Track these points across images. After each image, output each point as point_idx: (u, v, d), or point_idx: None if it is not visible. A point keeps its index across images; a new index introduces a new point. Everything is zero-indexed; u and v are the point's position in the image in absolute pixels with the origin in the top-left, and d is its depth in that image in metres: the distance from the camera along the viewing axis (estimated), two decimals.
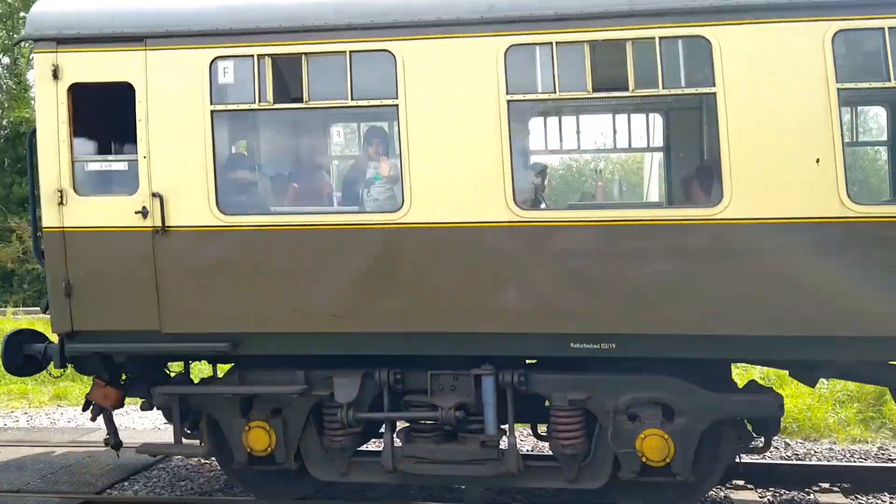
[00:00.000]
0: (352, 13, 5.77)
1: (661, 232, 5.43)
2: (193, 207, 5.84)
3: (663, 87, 5.43)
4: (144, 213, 5.86)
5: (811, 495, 6.67)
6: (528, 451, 7.91)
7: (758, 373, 9.25)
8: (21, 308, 19.30)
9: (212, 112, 5.84)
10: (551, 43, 5.52)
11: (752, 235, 5.29)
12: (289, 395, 6.00)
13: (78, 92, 6.02)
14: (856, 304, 5.21)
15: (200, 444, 6.41)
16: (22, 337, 6.69)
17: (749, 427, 6.06)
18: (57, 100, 5.99)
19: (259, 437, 6.07)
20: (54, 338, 6.59)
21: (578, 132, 6.58)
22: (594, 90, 5.51)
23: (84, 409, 6.72)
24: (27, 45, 7.26)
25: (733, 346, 5.51)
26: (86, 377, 8.24)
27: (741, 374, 9.19)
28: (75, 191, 5.98)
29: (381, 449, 6.09)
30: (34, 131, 6.17)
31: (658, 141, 6.49)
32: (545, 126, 6.85)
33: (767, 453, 6.66)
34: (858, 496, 6.64)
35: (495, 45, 5.57)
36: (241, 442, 6.12)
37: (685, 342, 5.54)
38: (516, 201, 5.53)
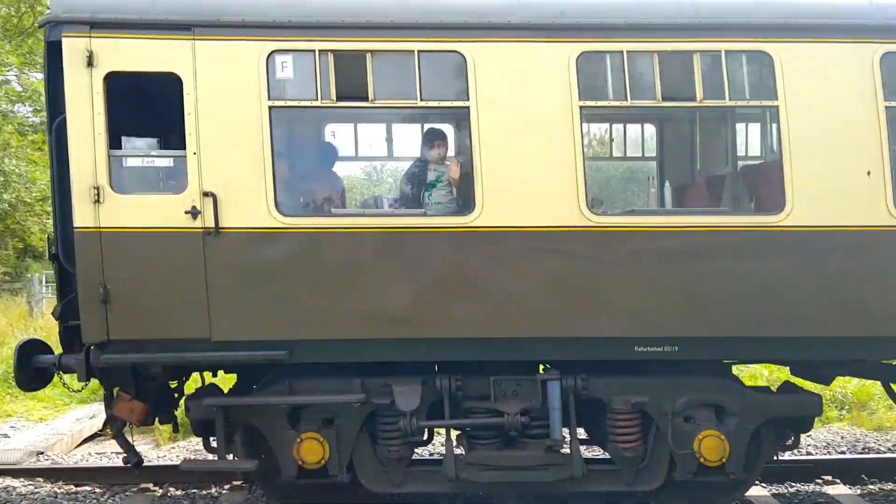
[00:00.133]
0: (419, 12, 5.64)
1: (726, 238, 5.63)
2: (249, 208, 5.51)
3: (730, 99, 5.64)
4: (194, 213, 5.48)
5: None
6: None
7: (741, 372, 9.74)
8: None
9: (270, 108, 5.55)
10: (622, 51, 5.62)
11: (813, 242, 5.57)
12: (348, 404, 5.75)
13: (113, 81, 5.56)
14: None
15: (234, 457, 6.02)
16: (30, 348, 6.08)
17: None
18: (91, 89, 5.50)
19: (312, 449, 5.79)
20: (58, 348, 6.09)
21: (643, 140, 6.73)
22: (663, 99, 5.64)
23: (105, 426, 6.17)
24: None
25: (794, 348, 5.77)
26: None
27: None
28: (113, 188, 5.51)
29: (425, 458, 5.97)
30: (60, 121, 5.64)
31: (724, 144, 6.72)
32: (611, 133, 6.95)
33: None
34: None
35: (567, 50, 5.60)
36: (293, 454, 5.81)
37: (742, 344, 5.76)
38: (589, 206, 5.57)
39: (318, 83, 5.56)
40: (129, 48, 5.55)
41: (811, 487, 7.22)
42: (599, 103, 5.72)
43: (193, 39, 5.55)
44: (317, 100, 5.59)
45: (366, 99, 5.60)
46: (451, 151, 6.21)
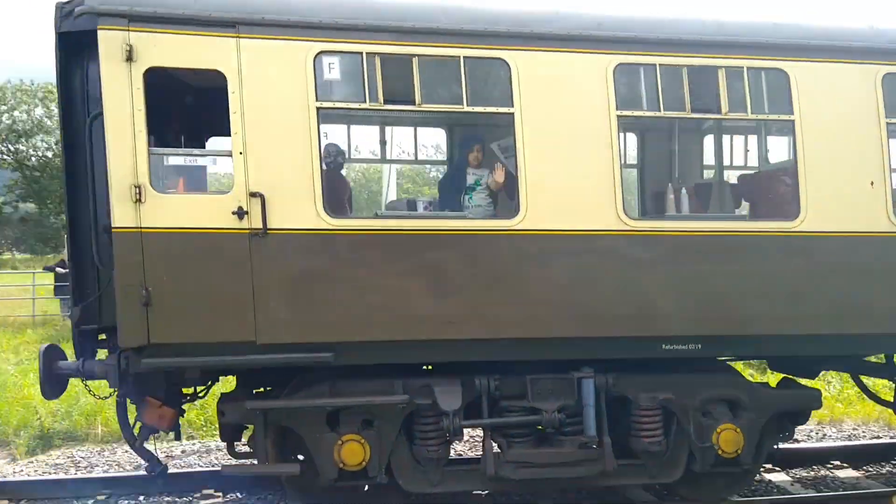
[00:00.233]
0: (464, 18, 5.75)
1: (746, 242, 6.00)
2: (297, 209, 5.46)
3: (751, 112, 6.02)
4: (241, 213, 5.38)
5: None
6: None
7: None
8: None
9: (318, 109, 5.52)
10: (655, 64, 5.90)
11: (826, 246, 6.02)
12: (388, 405, 5.78)
13: (152, 76, 5.40)
14: None
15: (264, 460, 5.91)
16: (51, 354, 5.81)
17: None
18: (131, 84, 5.33)
19: (354, 451, 5.77)
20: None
21: (671, 149, 7.02)
22: (692, 111, 5.96)
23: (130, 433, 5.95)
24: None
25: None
26: None
27: None
28: (154, 187, 5.34)
29: (461, 458, 6.06)
30: (94, 117, 5.43)
31: (744, 160, 7.10)
32: (643, 140, 7.20)
33: None
34: None
35: (605, 61, 5.83)
36: (333, 457, 5.77)
37: (759, 341, 6.15)
38: (625, 211, 5.81)
39: (365, 86, 5.57)
40: (170, 43, 5.40)
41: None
42: (635, 113, 5.98)
43: (238, 37, 5.47)
44: (365, 102, 5.61)
45: (412, 103, 5.66)
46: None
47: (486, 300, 5.67)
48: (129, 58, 5.32)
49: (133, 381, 5.62)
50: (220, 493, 7.20)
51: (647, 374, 6.17)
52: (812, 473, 7.83)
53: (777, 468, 7.73)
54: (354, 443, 5.80)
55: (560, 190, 5.74)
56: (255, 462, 6.03)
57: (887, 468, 8.00)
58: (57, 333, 16.25)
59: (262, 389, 6.30)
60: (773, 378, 9.36)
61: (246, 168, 5.42)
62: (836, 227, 6.07)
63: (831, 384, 11.10)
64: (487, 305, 5.68)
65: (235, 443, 6.38)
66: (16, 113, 36.03)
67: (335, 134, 7.30)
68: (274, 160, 5.45)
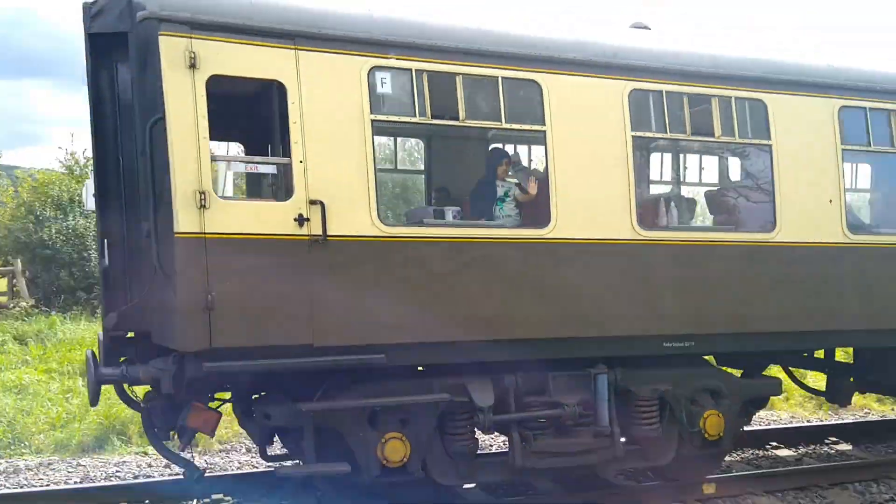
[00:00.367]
0: (501, 41, 6.20)
1: (733, 251, 6.83)
2: (353, 217, 5.71)
3: (738, 137, 6.86)
4: (301, 220, 5.56)
5: None
6: None
7: None
8: None
9: (372, 121, 5.79)
10: (662, 91, 6.60)
11: (804, 253, 6.94)
12: (426, 404, 6.11)
13: (212, 84, 5.48)
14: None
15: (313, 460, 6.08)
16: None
17: None
18: (195, 91, 5.39)
19: (396, 448, 6.06)
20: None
21: (676, 167, 7.71)
22: (692, 134, 6.72)
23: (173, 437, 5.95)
24: None
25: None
26: None
27: None
28: (217, 193, 5.43)
29: (487, 452, 6.50)
30: (155, 121, 5.43)
31: (733, 177, 7.88)
32: (649, 159, 7.82)
33: None
34: None
35: (621, 86, 6.47)
36: (377, 454, 6.04)
37: (740, 339, 6.99)
38: (638, 222, 6.47)
39: (415, 100, 5.90)
40: (232, 52, 5.51)
41: None
42: (647, 134, 6.65)
43: (296, 49, 5.65)
44: (414, 116, 5.94)
45: (457, 118, 6.05)
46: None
47: (520, 302, 6.15)
48: (193, 65, 5.38)
49: (187, 385, 5.65)
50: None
51: (647, 369, 6.86)
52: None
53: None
54: (396, 440, 6.09)
55: (584, 203, 6.31)
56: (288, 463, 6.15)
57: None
58: None
59: (256, 396, 6.42)
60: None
61: (306, 176, 5.60)
62: (804, 238, 7.02)
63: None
64: (521, 307, 6.16)
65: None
66: None
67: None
68: (332, 169, 5.67)
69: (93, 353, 5.83)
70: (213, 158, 5.46)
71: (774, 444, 9.11)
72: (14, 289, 18.28)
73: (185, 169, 5.34)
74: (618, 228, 6.42)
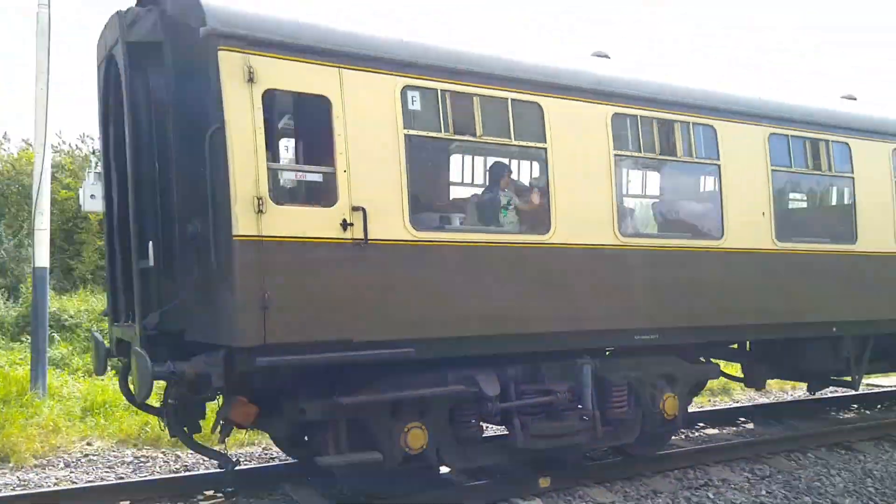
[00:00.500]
0: (509, 67, 6.93)
1: (692, 255, 7.90)
2: (389, 222, 6.24)
3: (696, 158, 7.94)
4: (345, 225, 6.04)
5: None
6: None
7: None
8: None
9: (405, 135, 6.35)
10: (637, 116, 7.57)
11: (744, 258, 8.12)
12: (443, 395, 6.71)
13: (266, 97, 5.87)
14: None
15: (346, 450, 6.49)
16: None
17: None
18: (252, 104, 5.77)
19: (417, 436, 6.58)
20: None
21: (656, 185, 8.64)
22: (660, 154, 7.73)
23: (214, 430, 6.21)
24: None
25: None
26: None
27: None
28: (272, 199, 5.81)
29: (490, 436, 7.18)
30: (215, 130, 5.73)
31: (693, 191, 8.91)
32: (628, 175, 8.66)
33: None
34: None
35: (605, 111, 7.37)
36: (399, 443, 6.56)
37: (694, 332, 8.08)
38: (619, 230, 7.40)
39: (440, 117, 6.53)
40: (284, 68, 5.92)
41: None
42: (626, 153, 7.57)
43: (340, 67, 6.13)
44: (440, 132, 6.56)
45: (474, 134, 6.72)
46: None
47: (525, 300, 6.90)
48: (251, 79, 5.75)
49: (238, 379, 5.96)
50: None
51: (619, 359, 7.81)
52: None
53: None
54: (417, 429, 6.64)
55: (577, 212, 7.16)
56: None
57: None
58: None
59: None
60: None
61: (349, 185, 6.09)
62: (743, 245, 8.21)
63: None
64: (526, 305, 6.91)
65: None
66: None
67: None
68: (371, 179, 6.18)
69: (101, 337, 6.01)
70: (269, 167, 5.82)
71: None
72: None
73: (244, 176, 5.70)
74: (604, 235, 7.31)
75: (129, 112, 6.22)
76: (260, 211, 5.72)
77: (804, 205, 9.71)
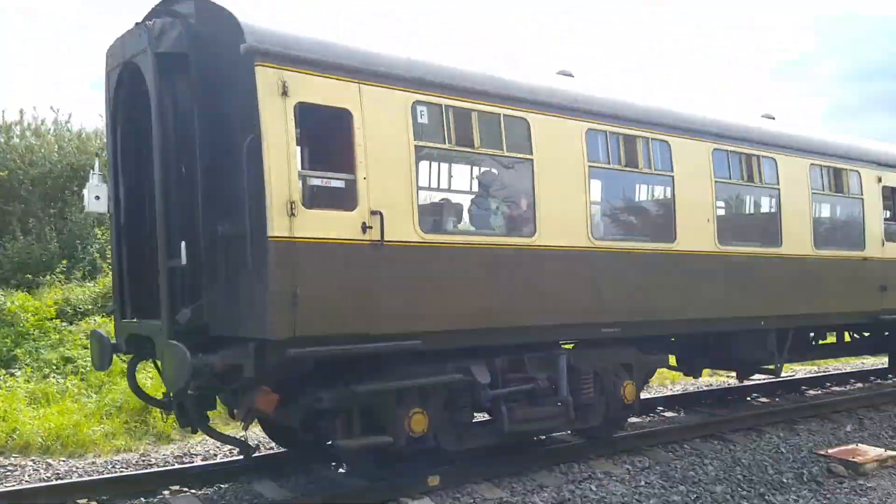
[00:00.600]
0: (500, 87, 7.67)
1: (649, 256, 8.85)
2: (402, 225, 6.85)
3: (654, 169, 8.91)
4: (364, 227, 6.61)
5: None
6: None
7: None
8: None
9: (415, 146, 6.98)
10: (606, 131, 8.46)
11: (692, 259, 9.14)
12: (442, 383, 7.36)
13: (297, 109, 6.38)
14: None
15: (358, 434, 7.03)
16: None
17: None
18: (286, 115, 6.27)
19: (419, 421, 7.20)
20: None
21: (622, 193, 9.46)
22: (625, 165, 8.65)
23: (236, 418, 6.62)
24: None
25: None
26: None
27: None
28: (303, 203, 6.32)
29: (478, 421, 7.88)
30: (252, 139, 6.18)
31: (652, 199, 9.79)
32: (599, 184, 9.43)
33: None
34: None
35: (581, 126, 8.22)
36: (405, 427, 7.16)
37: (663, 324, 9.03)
38: (592, 233, 8.25)
39: (444, 130, 7.19)
40: (313, 82, 6.46)
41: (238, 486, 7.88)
42: (598, 164, 8.43)
43: (360, 83, 6.70)
44: (444, 143, 7.22)
45: (472, 146, 7.42)
46: None
47: (514, 296, 7.64)
48: (284, 92, 6.25)
49: (266, 370, 6.42)
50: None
51: (587, 350, 8.66)
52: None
53: None
54: (419, 414, 7.26)
55: (557, 217, 7.96)
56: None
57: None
58: None
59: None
60: None
61: (368, 191, 6.67)
62: (692, 248, 9.24)
63: None
64: (514, 300, 7.65)
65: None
66: None
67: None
68: (387, 185, 6.78)
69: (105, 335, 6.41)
70: (300, 173, 6.32)
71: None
72: None
73: (278, 182, 6.19)
74: (579, 238, 8.15)
75: (158, 119, 6.57)
76: (292, 214, 6.23)
77: (740, 212, 10.86)
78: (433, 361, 7.41)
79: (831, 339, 13.58)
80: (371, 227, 6.65)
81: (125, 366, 8.05)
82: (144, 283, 7.42)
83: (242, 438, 7.48)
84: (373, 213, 6.67)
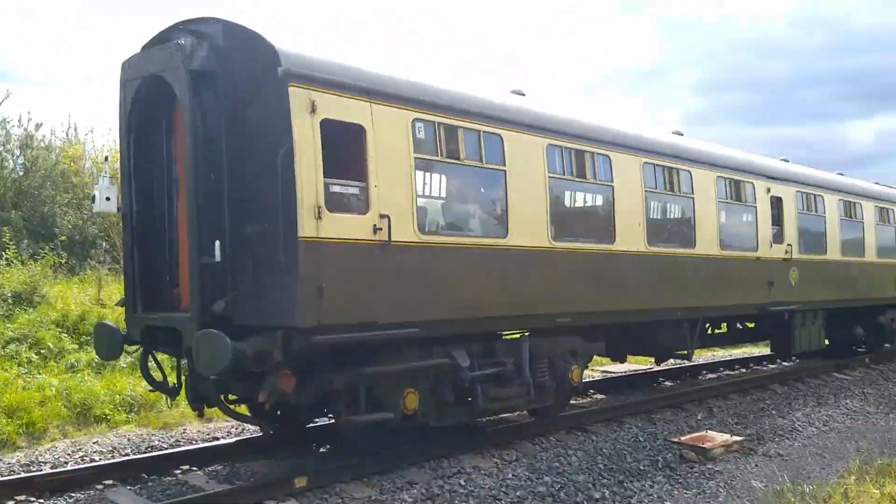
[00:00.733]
0: (481, 105, 8.77)
1: (600, 256, 10.19)
2: (404, 227, 7.82)
3: (598, 180, 10.25)
4: (375, 229, 7.54)
5: None
6: None
7: None
8: None
9: (414, 158, 7.96)
10: (561, 146, 9.72)
11: (628, 258, 10.56)
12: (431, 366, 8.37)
13: (323, 125, 7.23)
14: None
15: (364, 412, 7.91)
16: None
17: None
18: (314, 130, 7.13)
19: (413, 400, 8.19)
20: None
21: (574, 200, 10.62)
22: (576, 176, 9.95)
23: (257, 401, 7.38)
24: None
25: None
26: None
27: None
28: (327, 207, 7.18)
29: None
30: (285, 151, 6.96)
31: (596, 206, 11.02)
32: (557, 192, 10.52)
33: None
34: None
35: (541, 141, 9.43)
36: (400, 406, 8.11)
37: (599, 315, 10.37)
38: (551, 236, 9.48)
39: (436, 144, 8.21)
40: (335, 101, 7.33)
41: (92, 494, 7.59)
42: (556, 175, 9.66)
43: (371, 102, 7.63)
44: (437, 156, 8.24)
45: (458, 158, 8.48)
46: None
47: (488, 290, 8.75)
48: (313, 110, 7.10)
49: (293, 355, 7.21)
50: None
51: (542, 338, 9.88)
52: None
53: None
54: (412, 394, 8.25)
55: (524, 221, 9.14)
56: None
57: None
58: None
59: None
60: None
61: (378, 197, 7.60)
62: (628, 248, 10.66)
63: None
64: (489, 294, 8.76)
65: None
66: None
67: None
68: (393, 192, 7.73)
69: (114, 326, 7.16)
70: (325, 182, 7.17)
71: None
72: None
73: (309, 188, 7.04)
74: (541, 239, 9.36)
75: (190, 131, 7.24)
76: (318, 217, 7.09)
77: (664, 218, 12.42)
78: (421, 347, 8.41)
79: (723, 330, 15.49)
80: (381, 229, 7.58)
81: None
82: (155, 278, 8.05)
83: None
84: (381, 216, 7.60)
